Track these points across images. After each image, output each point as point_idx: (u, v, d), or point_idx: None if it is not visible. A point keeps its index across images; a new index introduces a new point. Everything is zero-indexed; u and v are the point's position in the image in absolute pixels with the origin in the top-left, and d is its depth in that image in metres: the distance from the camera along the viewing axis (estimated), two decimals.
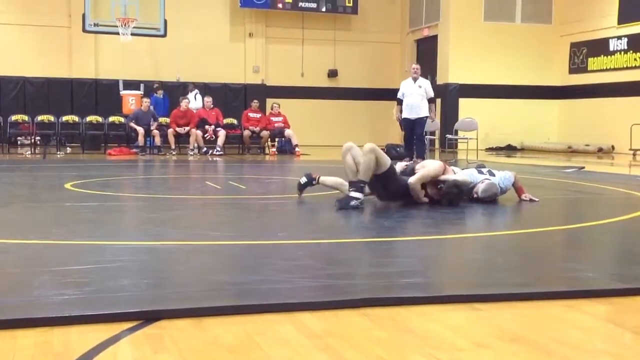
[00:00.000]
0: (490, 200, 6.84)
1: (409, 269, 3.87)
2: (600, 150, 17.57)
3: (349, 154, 6.42)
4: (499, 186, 6.92)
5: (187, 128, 15.68)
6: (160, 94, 17.42)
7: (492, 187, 6.83)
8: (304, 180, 7.01)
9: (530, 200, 6.98)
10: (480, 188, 6.80)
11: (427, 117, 12.93)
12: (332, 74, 20.86)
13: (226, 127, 16.33)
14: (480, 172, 7.06)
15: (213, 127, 15.84)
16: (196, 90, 17.70)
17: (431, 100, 12.95)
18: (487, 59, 19.06)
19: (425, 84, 12.91)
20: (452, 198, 6.45)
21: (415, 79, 12.85)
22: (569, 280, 3.67)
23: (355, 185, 6.24)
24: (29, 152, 15.27)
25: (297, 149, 15.97)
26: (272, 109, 16.95)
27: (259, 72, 20.22)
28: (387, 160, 6.41)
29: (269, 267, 3.82)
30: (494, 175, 7.03)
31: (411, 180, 6.46)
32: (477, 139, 15.08)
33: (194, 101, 17.06)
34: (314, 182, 7.04)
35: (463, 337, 2.74)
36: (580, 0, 18.87)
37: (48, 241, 4.50)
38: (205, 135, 15.78)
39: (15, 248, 4.32)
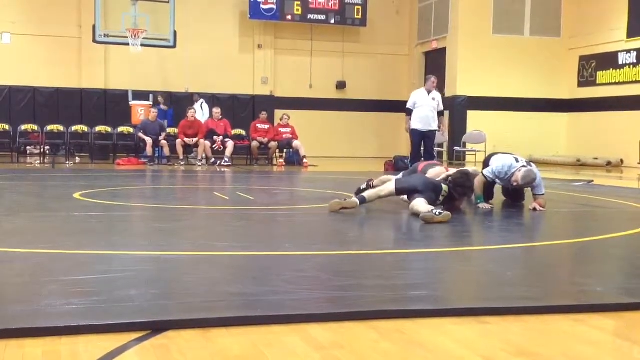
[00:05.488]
0: (528, 186, 7.14)
1: (417, 281, 3.86)
2: (609, 163, 17.50)
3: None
4: (537, 173, 7.16)
5: (195, 139, 15.73)
6: (161, 105, 17.46)
7: (531, 174, 7.08)
8: (363, 186, 7.17)
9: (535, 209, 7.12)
10: (519, 175, 7.05)
11: (437, 130, 12.89)
12: (341, 85, 20.88)
13: (234, 138, 16.36)
14: (518, 161, 7.29)
15: (221, 137, 15.87)
16: (202, 100, 17.73)
17: (440, 113, 12.91)
18: (496, 71, 19.04)
19: (438, 96, 12.86)
20: (461, 185, 6.73)
21: (429, 91, 12.77)
22: (577, 295, 3.65)
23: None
24: (38, 161, 15.33)
25: (305, 160, 15.98)
26: (281, 119, 16.97)
27: (268, 84, 20.27)
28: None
29: (276, 278, 3.82)
30: (530, 165, 7.29)
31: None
32: (485, 151, 15.06)
33: (200, 111, 17.10)
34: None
35: (471, 351, 2.73)
36: (589, 14, 18.85)
37: (56, 251, 4.51)
38: (214, 146, 15.81)
39: (24, 257, 4.33)
